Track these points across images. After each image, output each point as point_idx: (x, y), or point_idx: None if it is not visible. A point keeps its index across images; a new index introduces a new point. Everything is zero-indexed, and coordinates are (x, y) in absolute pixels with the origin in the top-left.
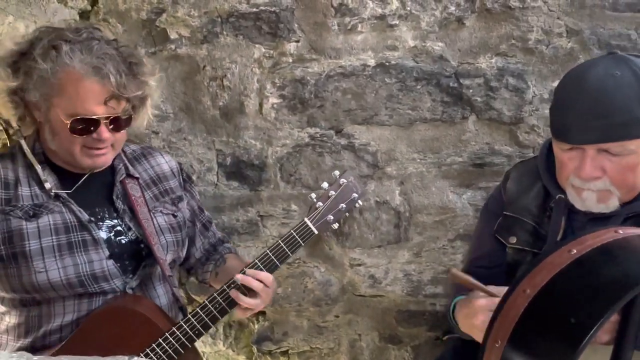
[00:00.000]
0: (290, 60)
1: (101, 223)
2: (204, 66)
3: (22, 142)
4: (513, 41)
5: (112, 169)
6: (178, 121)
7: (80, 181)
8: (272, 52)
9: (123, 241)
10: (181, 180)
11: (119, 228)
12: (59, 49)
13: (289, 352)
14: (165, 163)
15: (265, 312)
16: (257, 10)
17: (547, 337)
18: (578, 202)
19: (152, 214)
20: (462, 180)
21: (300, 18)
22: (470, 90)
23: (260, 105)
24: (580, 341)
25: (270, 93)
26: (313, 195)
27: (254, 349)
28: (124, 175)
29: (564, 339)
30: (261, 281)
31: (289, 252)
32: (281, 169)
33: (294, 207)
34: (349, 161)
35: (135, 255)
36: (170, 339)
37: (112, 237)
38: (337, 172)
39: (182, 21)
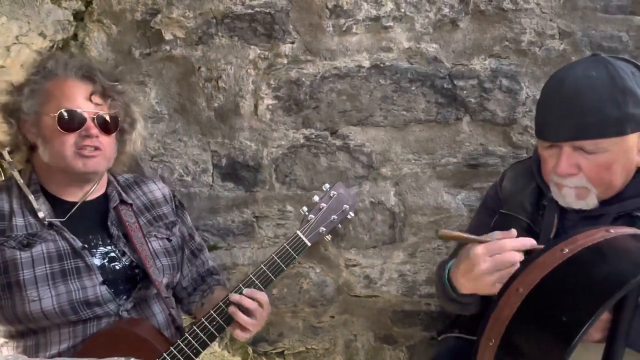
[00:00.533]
0: (286, 62)
1: (95, 250)
2: (199, 67)
3: (15, 172)
4: (506, 43)
5: (105, 197)
6: (173, 122)
7: (74, 209)
8: (267, 53)
9: (117, 267)
10: (174, 206)
11: (112, 254)
12: (46, 64)
13: (285, 352)
14: (158, 190)
15: None
16: (252, 11)
17: (540, 335)
18: (560, 198)
19: (146, 238)
20: (457, 181)
21: (295, 19)
22: (464, 92)
23: (256, 106)
24: (572, 339)
25: (266, 94)
26: (305, 208)
27: (250, 350)
28: (117, 202)
29: (556, 337)
30: (256, 300)
31: (283, 266)
32: (276, 170)
33: (289, 207)
34: (344, 162)
35: (130, 280)
36: (168, 359)
37: (106, 264)
38: (327, 185)
39: (177, 22)
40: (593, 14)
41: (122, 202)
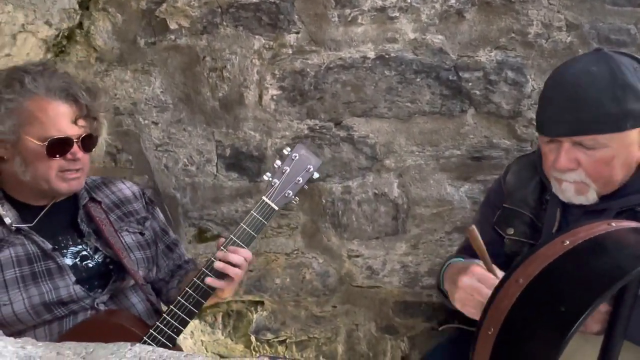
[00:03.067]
0: (290, 52)
1: (65, 250)
2: (204, 57)
3: None
4: (513, 35)
5: (74, 196)
6: (178, 112)
7: (42, 214)
8: (272, 43)
9: (90, 265)
10: (144, 203)
11: (84, 253)
12: (22, 80)
13: (287, 341)
14: (127, 188)
15: (264, 302)
16: (257, 1)
17: (538, 325)
18: (560, 193)
19: (118, 233)
20: (460, 173)
21: (300, 9)
22: (470, 84)
23: (260, 96)
24: (569, 328)
25: (270, 84)
26: (268, 174)
27: (252, 338)
28: (87, 199)
29: (554, 327)
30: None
31: (253, 234)
32: None
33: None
34: (347, 153)
35: (104, 276)
36: (149, 342)
37: (78, 263)
38: (288, 148)
39: (181, 11)
40: (601, 6)
41: (92, 199)
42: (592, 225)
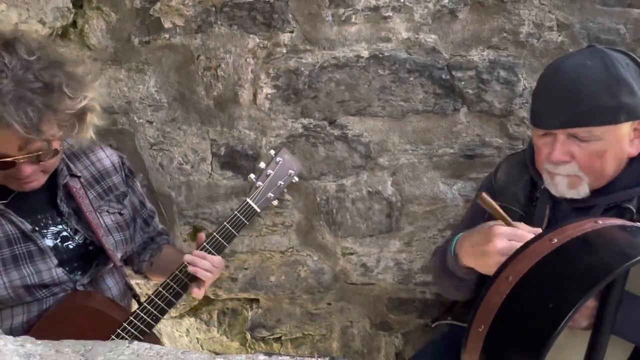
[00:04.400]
0: (285, 51)
1: (45, 230)
2: (198, 56)
3: None
4: (505, 34)
5: (53, 172)
6: (172, 111)
7: (15, 192)
8: (266, 42)
9: (71, 246)
10: (123, 176)
11: (64, 233)
12: None
13: (282, 338)
14: (106, 158)
15: (259, 299)
16: (251, 0)
17: (527, 321)
18: (552, 187)
19: (98, 213)
20: (453, 171)
21: (294, 8)
22: (462, 83)
23: (255, 95)
24: (557, 325)
25: (264, 83)
26: (252, 175)
27: (248, 335)
28: (67, 177)
29: (543, 323)
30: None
31: (234, 232)
32: None
33: (287, 196)
34: (341, 152)
35: (85, 258)
36: (129, 328)
37: (59, 244)
38: (272, 151)
39: (176, 10)
40: (591, 6)
41: (72, 175)
42: (580, 223)
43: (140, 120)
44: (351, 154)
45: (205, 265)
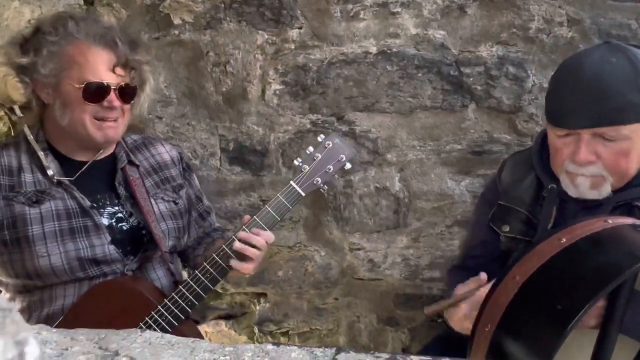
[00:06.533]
0: (293, 47)
1: (103, 210)
2: (207, 52)
3: (26, 128)
4: (514, 30)
5: (113, 157)
6: (182, 106)
7: (83, 168)
8: (274, 38)
9: (124, 227)
10: (181, 169)
11: (120, 215)
12: (65, 24)
13: (289, 332)
14: (166, 152)
15: (267, 294)
16: None
17: (535, 322)
18: (571, 189)
19: (152, 200)
20: (461, 168)
21: (302, 4)
22: (471, 79)
23: (263, 91)
24: (565, 327)
25: (273, 79)
26: (298, 159)
27: (255, 329)
28: (125, 162)
29: (550, 325)
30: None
31: (277, 217)
32: (283, 154)
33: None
34: None
35: (137, 241)
36: (163, 311)
37: (114, 224)
38: (322, 136)
39: (185, 7)
40: (602, 1)
41: (130, 162)
42: (589, 222)
43: (150, 116)
44: (359, 149)
45: (259, 242)
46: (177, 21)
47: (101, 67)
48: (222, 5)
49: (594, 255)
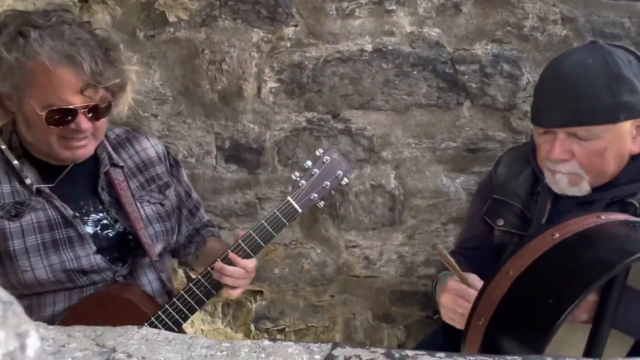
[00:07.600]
0: (289, 45)
1: (86, 217)
2: (203, 50)
3: None
4: (509, 28)
5: (95, 159)
6: (177, 104)
7: (63, 174)
8: (270, 36)
9: (110, 234)
10: (168, 166)
11: (105, 221)
12: (27, 36)
13: (286, 330)
14: (151, 147)
15: (263, 291)
16: None
17: (527, 316)
18: (553, 185)
19: (138, 203)
20: (456, 165)
21: (298, 2)
22: (466, 77)
23: (259, 89)
24: (556, 320)
25: (269, 77)
26: (296, 173)
27: (252, 326)
28: (108, 166)
29: (542, 318)
30: (240, 266)
31: (273, 232)
32: (279, 152)
33: (291, 190)
34: (345, 145)
35: (124, 247)
36: (156, 322)
37: (99, 231)
38: (320, 150)
39: (180, 4)
40: (596, 0)
41: (113, 164)
42: (582, 218)
43: (145, 114)
44: (354, 147)
45: (236, 273)
46: (172, 19)
47: (67, 91)
48: (218, 2)
49: (587, 251)
